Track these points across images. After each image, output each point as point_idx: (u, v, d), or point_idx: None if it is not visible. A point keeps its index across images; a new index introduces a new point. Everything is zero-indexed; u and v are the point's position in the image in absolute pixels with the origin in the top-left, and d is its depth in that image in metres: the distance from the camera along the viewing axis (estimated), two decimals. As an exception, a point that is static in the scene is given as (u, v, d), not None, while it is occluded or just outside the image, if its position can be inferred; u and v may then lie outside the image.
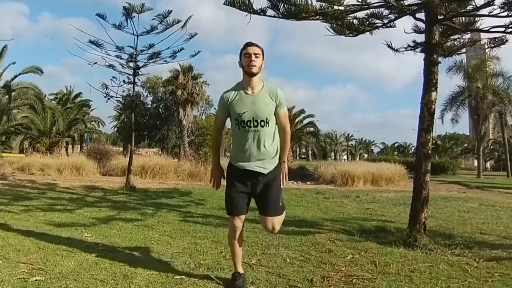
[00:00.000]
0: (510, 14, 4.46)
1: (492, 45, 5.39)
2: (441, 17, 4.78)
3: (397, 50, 5.57)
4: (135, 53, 10.00)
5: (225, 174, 2.98)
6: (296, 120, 30.39)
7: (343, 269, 3.40)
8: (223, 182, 3.01)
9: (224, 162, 3.13)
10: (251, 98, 2.80)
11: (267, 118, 2.78)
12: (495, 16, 4.54)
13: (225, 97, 2.84)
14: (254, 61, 2.76)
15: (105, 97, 10.37)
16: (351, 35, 5.40)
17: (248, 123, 2.77)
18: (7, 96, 18.07)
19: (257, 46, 2.83)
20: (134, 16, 9.70)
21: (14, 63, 19.79)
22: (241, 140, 2.81)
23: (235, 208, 2.84)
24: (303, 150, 64.55)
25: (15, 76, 18.70)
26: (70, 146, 34.22)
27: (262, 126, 2.77)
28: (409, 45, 5.39)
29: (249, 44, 2.83)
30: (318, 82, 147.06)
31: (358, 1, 5.00)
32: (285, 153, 2.98)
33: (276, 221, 2.88)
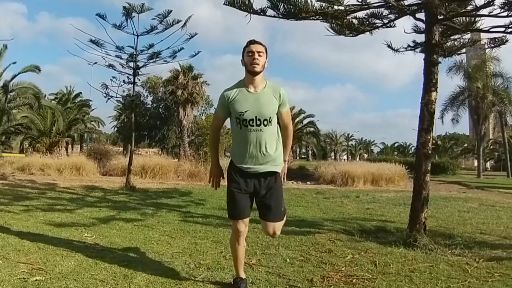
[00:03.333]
0: (510, 14, 4.46)
1: (492, 45, 5.40)
2: (441, 17, 4.78)
3: (397, 50, 5.58)
4: (135, 53, 10.00)
5: (226, 174, 2.89)
6: (296, 120, 30.39)
7: (343, 269, 3.40)
8: (223, 182, 2.94)
9: (224, 162, 3.10)
10: (253, 97, 2.71)
11: (270, 117, 2.70)
12: (495, 16, 4.54)
13: (226, 95, 2.74)
14: (257, 59, 2.68)
15: (105, 97, 10.40)
16: (351, 35, 5.41)
17: (251, 122, 2.67)
18: (7, 96, 18.08)
19: (260, 44, 2.75)
20: (134, 16, 9.71)
21: (14, 62, 19.86)
22: (242, 140, 2.72)
23: (238, 213, 2.76)
24: (303, 150, 64.50)
25: (14, 76, 18.72)
26: (70, 146, 34.20)
27: (265, 126, 2.69)
28: (409, 45, 5.40)
29: (252, 42, 2.75)
30: (317, 82, 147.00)
31: (358, 1, 5.00)
32: (286, 152, 2.93)
33: (277, 226, 2.81)
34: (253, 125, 2.68)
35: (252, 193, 2.78)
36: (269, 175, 2.78)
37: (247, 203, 2.78)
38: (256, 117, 2.68)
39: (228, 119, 2.88)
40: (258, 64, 2.69)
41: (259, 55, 2.70)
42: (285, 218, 2.91)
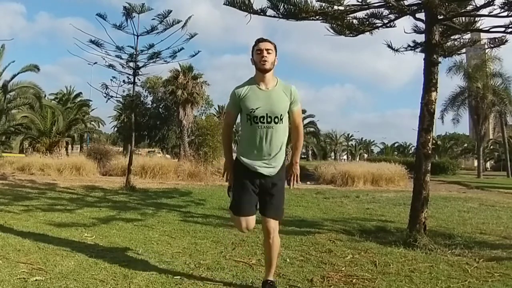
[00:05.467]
0: (510, 14, 4.46)
1: (492, 45, 5.40)
2: (441, 17, 4.78)
3: (397, 50, 5.58)
4: (135, 53, 10.00)
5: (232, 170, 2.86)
6: (296, 120, 30.35)
7: (343, 269, 3.40)
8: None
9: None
10: (265, 94, 2.70)
11: (281, 115, 2.69)
12: (495, 16, 4.54)
13: (237, 92, 2.73)
14: (266, 56, 2.68)
15: (105, 97, 10.40)
16: (351, 35, 5.40)
17: (262, 119, 2.66)
18: (6, 96, 18.08)
19: (269, 41, 2.75)
20: (134, 16, 9.71)
21: (13, 61, 19.85)
22: (251, 136, 2.71)
23: (243, 210, 2.74)
24: (303, 150, 64.53)
25: (14, 76, 18.73)
26: (70, 146, 34.21)
27: (276, 123, 2.68)
28: (409, 45, 5.40)
29: (261, 40, 2.75)
30: (316, 82, 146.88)
31: (358, 1, 5.00)
32: (298, 153, 2.90)
33: (276, 224, 2.79)
34: (264, 122, 2.67)
35: (258, 191, 2.76)
36: (274, 173, 2.75)
37: (253, 201, 2.75)
38: (267, 114, 2.67)
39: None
40: (267, 61, 2.69)
41: (268, 53, 2.70)
42: (279, 220, 2.86)
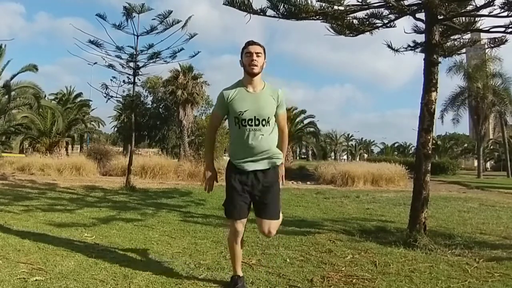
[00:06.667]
0: (510, 14, 4.46)
1: (492, 45, 5.40)
2: (441, 17, 4.78)
3: (397, 50, 5.57)
4: (135, 53, 10.00)
5: (225, 173, 2.89)
6: (297, 120, 30.41)
7: (343, 269, 3.40)
8: (217, 183, 2.94)
9: (224, 163, 3.08)
10: (253, 97, 2.72)
11: (268, 118, 2.72)
12: (495, 16, 4.54)
13: (225, 95, 2.74)
14: (255, 60, 2.69)
15: (105, 97, 10.39)
16: (351, 35, 5.40)
17: (249, 121, 2.69)
18: (7, 96, 18.06)
19: (259, 44, 2.76)
20: (134, 16, 9.71)
21: (11, 59, 19.83)
22: (240, 139, 2.74)
23: (237, 213, 2.75)
24: (303, 150, 64.55)
25: (14, 76, 18.71)
26: (70, 146, 34.18)
27: (263, 126, 2.71)
28: (409, 45, 5.40)
29: (250, 42, 2.76)
30: (316, 82, 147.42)
31: (358, 1, 5.00)
32: (283, 155, 2.93)
33: (273, 225, 2.81)
34: (251, 125, 2.70)
35: (251, 193, 2.77)
36: (266, 172, 2.78)
37: (246, 204, 2.77)
38: (255, 117, 2.69)
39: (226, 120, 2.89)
40: (256, 66, 2.70)
41: (258, 56, 2.71)
42: (280, 220, 2.91)
